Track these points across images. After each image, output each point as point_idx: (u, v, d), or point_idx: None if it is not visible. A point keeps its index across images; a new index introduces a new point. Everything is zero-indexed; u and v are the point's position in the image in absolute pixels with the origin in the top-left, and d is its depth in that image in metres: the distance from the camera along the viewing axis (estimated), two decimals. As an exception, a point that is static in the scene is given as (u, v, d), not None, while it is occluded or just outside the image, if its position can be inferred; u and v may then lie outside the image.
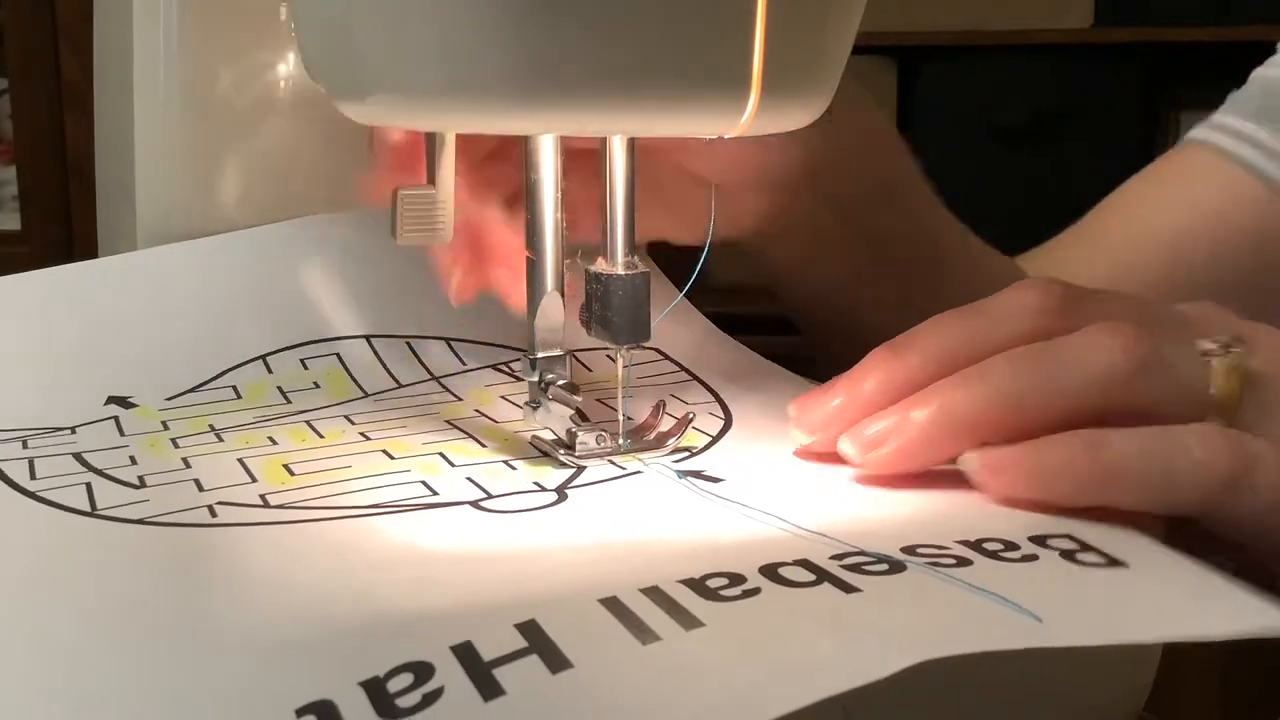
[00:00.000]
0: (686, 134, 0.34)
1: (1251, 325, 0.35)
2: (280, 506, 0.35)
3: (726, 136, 0.33)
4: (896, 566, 0.28)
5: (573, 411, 0.38)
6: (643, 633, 0.25)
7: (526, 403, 0.39)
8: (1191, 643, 0.27)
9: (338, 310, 0.48)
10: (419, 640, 0.26)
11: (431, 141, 0.38)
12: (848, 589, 0.27)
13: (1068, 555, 0.29)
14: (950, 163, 1.80)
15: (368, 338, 0.47)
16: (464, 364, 0.47)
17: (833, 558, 0.29)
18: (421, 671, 0.24)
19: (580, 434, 0.38)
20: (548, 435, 0.39)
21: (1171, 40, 1.65)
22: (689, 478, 0.36)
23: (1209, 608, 0.27)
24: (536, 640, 0.25)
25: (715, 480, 0.36)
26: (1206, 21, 1.65)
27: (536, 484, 0.36)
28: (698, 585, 0.27)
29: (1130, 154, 1.75)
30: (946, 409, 0.33)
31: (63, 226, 1.74)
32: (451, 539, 0.33)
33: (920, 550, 0.29)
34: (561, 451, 0.38)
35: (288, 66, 0.50)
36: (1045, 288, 0.35)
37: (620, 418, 0.39)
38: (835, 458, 0.36)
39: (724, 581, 0.27)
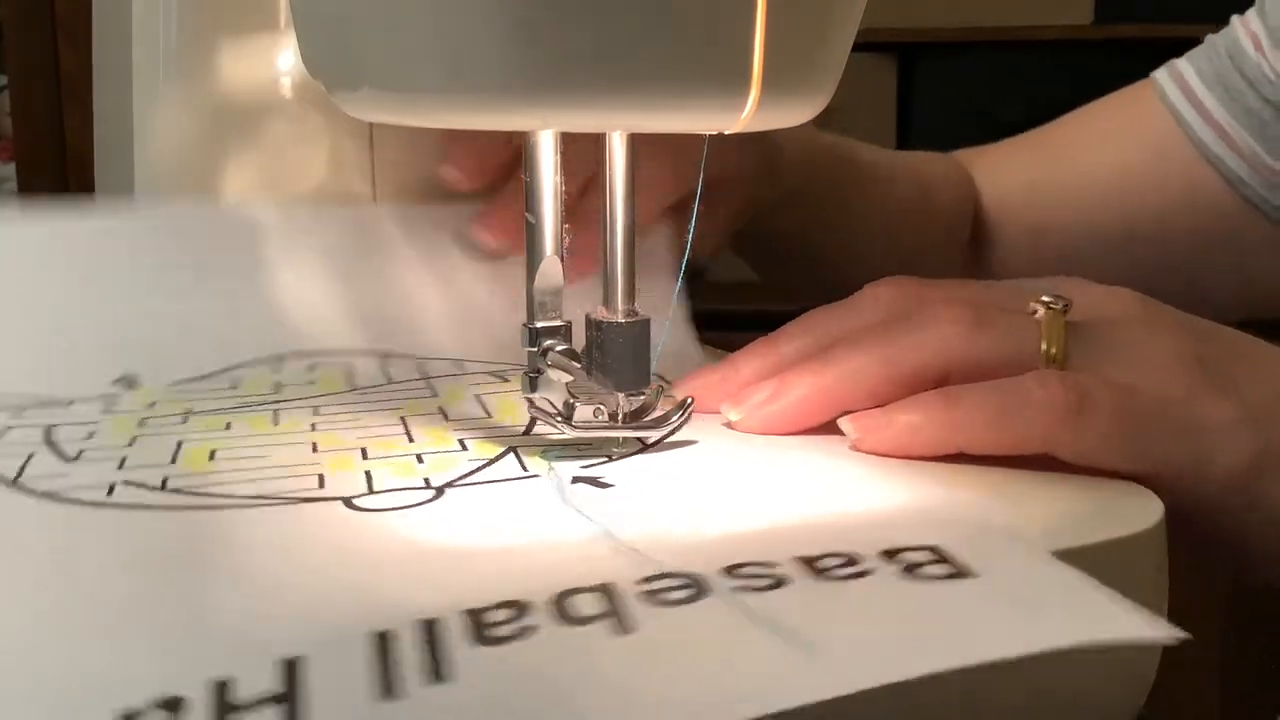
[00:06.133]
0: (686, 130, 0.34)
1: (1080, 285, 0.40)
2: (174, 490, 0.35)
3: (726, 133, 0.33)
4: (700, 592, 0.27)
5: (571, 380, 0.37)
6: (389, 683, 0.24)
7: (525, 373, 0.38)
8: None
9: (368, 328, 0.48)
10: (181, 668, 0.25)
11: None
12: (625, 629, 0.26)
13: (912, 569, 0.28)
14: (950, 159, 1.80)
15: (382, 354, 0.48)
16: (463, 370, 0.47)
17: (641, 580, 0.28)
18: (174, 708, 0.23)
19: (578, 405, 0.38)
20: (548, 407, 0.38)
21: (1172, 36, 1.65)
22: (579, 483, 0.35)
23: (1037, 621, 0.25)
24: (291, 684, 0.24)
25: (605, 487, 0.35)
26: (1207, 18, 1.65)
27: (425, 480, 0.36)
28: (475, 620, 0.26)
29: (1130, 151, 1.75)
30: (813, 385, 0.38)
31: (62, 223, 1.74)
32: (303, 539, 0.32)
33: (744, 569, 0.28)
34: (559, 420, 0.38)
35: (287, 63, 0.50)
36: (900, 284, 0.41)
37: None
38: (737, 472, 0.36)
39: (505, 615, 0.26)
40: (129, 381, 0.43)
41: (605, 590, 0.27)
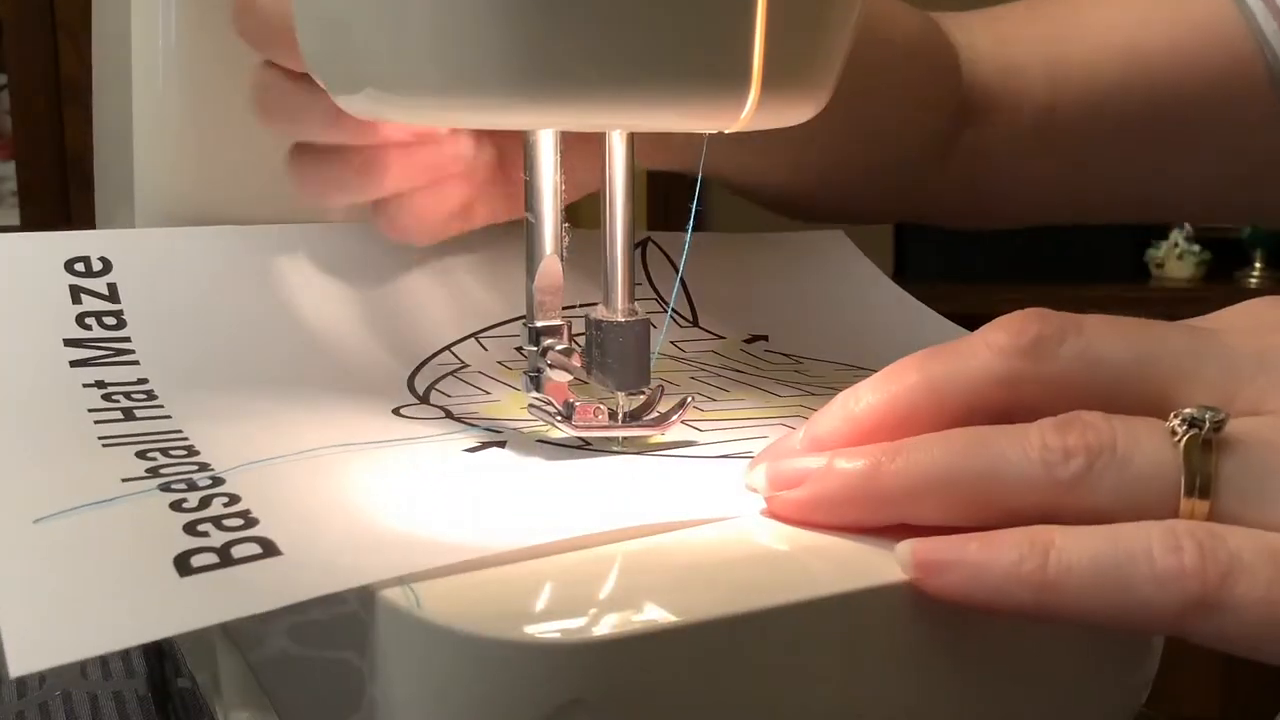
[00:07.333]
0: (686, 129, 0.34)
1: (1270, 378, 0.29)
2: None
3: (727, 131, 0.33)
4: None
5: (570, 379, 0.37)
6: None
7: (525, 372, 0.38)
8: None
9: None
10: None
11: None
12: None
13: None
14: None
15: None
16: None
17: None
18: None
19: (578, 405, 0.38)
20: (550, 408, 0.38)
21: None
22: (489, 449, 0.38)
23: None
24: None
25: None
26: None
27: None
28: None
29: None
30: (871, 473, 0.30)
31: (61, 222, 1.74)
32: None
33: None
34: (559, 419, 0.38)
35: (287, 62, 0.49)
36: (1020, 325, 0.30)
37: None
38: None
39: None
40: None
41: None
